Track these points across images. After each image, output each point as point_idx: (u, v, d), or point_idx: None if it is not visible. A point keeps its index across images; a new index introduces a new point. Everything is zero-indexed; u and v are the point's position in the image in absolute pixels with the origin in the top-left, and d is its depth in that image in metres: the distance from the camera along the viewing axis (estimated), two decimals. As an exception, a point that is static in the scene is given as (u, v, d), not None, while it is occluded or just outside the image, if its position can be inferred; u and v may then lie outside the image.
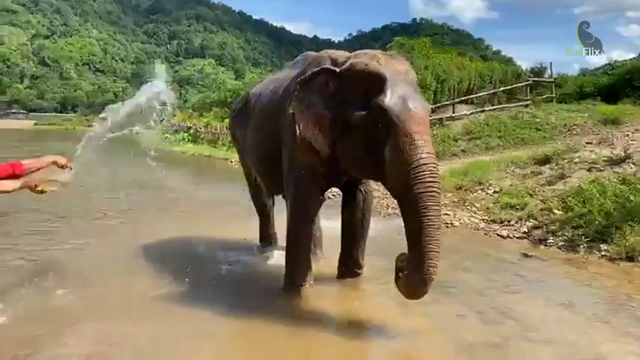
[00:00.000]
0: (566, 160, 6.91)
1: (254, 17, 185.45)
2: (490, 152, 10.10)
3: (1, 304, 3.31)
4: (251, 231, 5.05)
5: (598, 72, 22.78)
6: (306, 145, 3.19)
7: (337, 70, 3.07)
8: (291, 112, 3.22)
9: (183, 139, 22.38)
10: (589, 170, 6.34)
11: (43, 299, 3.56)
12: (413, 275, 2.74)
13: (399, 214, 2.86)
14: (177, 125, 24.97)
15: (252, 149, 4.25)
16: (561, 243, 4.95)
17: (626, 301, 3.57)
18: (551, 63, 15.99)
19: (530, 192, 6.27)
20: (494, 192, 6.71)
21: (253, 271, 4.32)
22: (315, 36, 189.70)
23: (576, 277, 4.16)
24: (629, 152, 6.33)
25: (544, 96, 14.61)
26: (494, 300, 3.62)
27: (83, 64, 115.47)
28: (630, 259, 4.34)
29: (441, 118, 12.98)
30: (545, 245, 5.03)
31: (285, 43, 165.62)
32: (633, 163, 6.08)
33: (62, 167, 3.04)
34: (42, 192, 2.84)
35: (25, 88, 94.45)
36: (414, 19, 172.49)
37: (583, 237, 4.84)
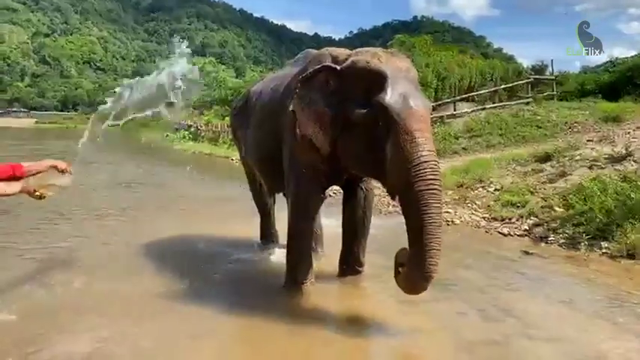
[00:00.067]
0: (567, 158, 6.91)
1: (255, 15, 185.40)
2: (491, 150, 10.10)
3: (2, 302, 3.32)
4: (252, 229, 5.05)
5: (599, 69, 22.71)
6: (307, 143, 3.19)
7: (338, 67, 3.07)
8: (291, 109, 3.22)
9: (184, 137, 22.40)
10: (590, 168, 6.33)
11: (44, 298, 3.57)
12: (413, 272, 2.75)
13: (400, 211, 2.86)
14: (178, 123, 24.97)
15: (253, 147, 4.25)
16: (562, 240, 4.95)
17: (627, 298, 3.57)
18: (552, 60, 16.08)
19: (531, 189, 6.26)
20: (495, 190, 6.70)
21: (254, 269, 4.32)
22: (315, 34, 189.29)
23: (577, 275, 4.16)
24: (630, 150, 6.32)
25: (545, 93, 14.61)
26: (495, 298, 3.63)
27: (84, 63, 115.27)
28: (631, 256, 4.33)
29: (442, 116, 12.99)
30: (546, 243, 5.03)
31: (285, 41, 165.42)
32: (634, 161, 6.08)
33: (62, 171, 3.02)
34: (41, 197, 2.82)
35: (25, 87, 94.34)
36: (415, 17, 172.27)
37: (584, 234, 4.83)
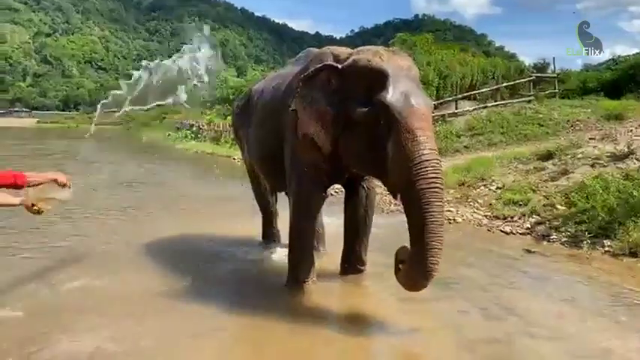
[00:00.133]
0: (569, 156, 6.89)
1: (256, 14, 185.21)
2: (493, 148, 10.09)
3: (3, 302, 3.33)
4: (254, 228, 5.05)
5: (601, 67, 22.74)
6: (309, 142, 3.19)
7: (339, 66, 3.07)
8: (293, 109, 3.22)
9: (186, 136, 22.45)
10: (592, 166, 6.32)
11: (44, 297, 3.58)
12: (414, 270, 2.76)
13: (402, 210, 2.86)
14: (180, 123, 25.02)
15: (255, 146, 4.25)
16: (564, 239, 4.94)
17: (630, 296, 3.57)
18: (554, 58, 16.00)
19: (533, 188, 6.25)
20: (497, 188, 6.69)
21: (256, 268, 4.32)
22: (317, 32, 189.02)
23: (579, 273, 4.15)
24: (632, 148, 6.31)
25: (547, 92, 14.56)
26: (497, 296, 3.62)
27: (85, 62, 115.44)
28: (633, 254, 4.32)
29: (444, 115, 12.96)
30: (549, 241, 5.02)
31: (287, 40, 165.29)
32: (636, 159, 6.06)
33: (62, 186, 3.01)
34: (39, 212, 2.79)
35: (27, 87, 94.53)
36: (416, 15, 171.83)
37: (586, 233, 4.82)
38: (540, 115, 11.38)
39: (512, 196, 6.12)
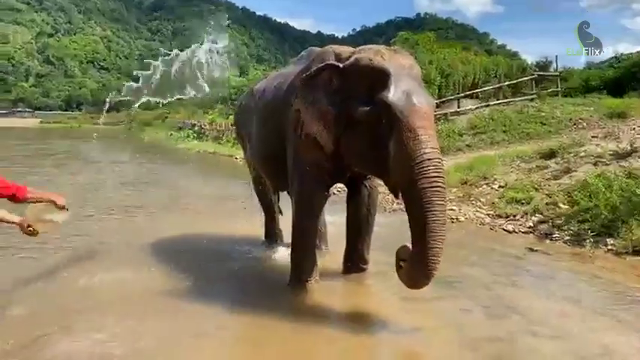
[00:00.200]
0: (571, 154, 6.88)
1: (257, 13, 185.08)
2: (495, 147, 10.08)
3: (4, 302, 3.34)
4: (256, 228, 5.06)
5: (604, 65, 22.58)
6: (311, 142, 3.20)
7: (341, 65, 3.06)
8: (295, 108, 3.21)
9: (188, 136, 22.48)
10: (595, 164, 6.31)
11: (46, 297, 3.59)
12: (415, 269, 2.77)
13: (404, 209, 2.86)
14: (182, 122, 25.04)
15: (257, 145, 4.26)
16: (567, 237, 4.94)
17: (633, 295, 3.56)
18: (556, 56, 15.90)
19: (536, 186, 6.24)
20: (500, 187, 6.69)
21: (258, 268, 4.33)
22: (318, 31, 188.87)
23: (582, 272, 4.15)
24: (635, 146, 6.29)
25: (549, 90, 14.51)
26: (500, 295, 3.62)
27: (87, 62, 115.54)
28: (637, 253, 4.32)
29: (446, 113, 12.94)
30: (551, 240, 5.01)
31: (288, 39, 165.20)
32: (639, 157, 6.04)
33: (61, 208, 2.98)
34: (33, 233, 2.75)
35: (30, 87, 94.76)
36: (418, 14, 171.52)
37: (589, 231, 4.82)
38: (543, 114, 11.37)
39: (514, 195, 6.11)
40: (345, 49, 3.31)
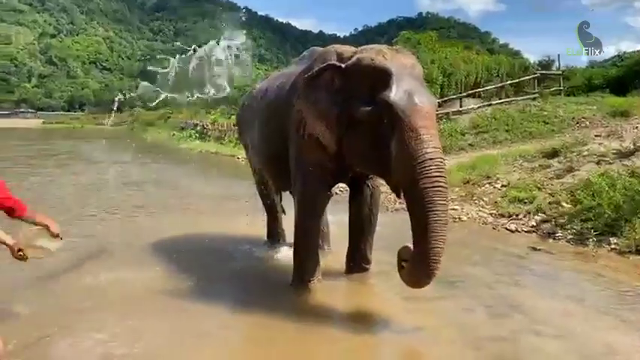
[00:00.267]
0: (574, 153, 6.86)
1: (259, 13, 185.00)
2: (498, 146, 10.06)
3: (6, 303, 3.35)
4: (258, 227, 5.06)
5: (606, 64, 22.53)
6: (314, 142, 3.20)
7: (343, 65, 3.06)
8: (298, 108, 3.21)
9: (190, 136, 22.50)
10: (598, 163, 6.29)
11: (47, 297, 3.60)
12: (417, 269, 2.78)
13: (406, 208, 2.86)
14: (185, 122, 25.07)
15: (259, 145, 4.26)
16: (570, 236, 4.93)
17: (636, 294, 3.55)
18: (559, 55, 15.79)
19: (539, 185, 6.23)
20: (502, 186, 6.68)
21: (261, 268, 4.33)
22: (320, 31, 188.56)
23: (585, 271, 4.14)
24: (638, 145, 6.27)
25: (552, 89, 14.47)
26: (503, 294, 3.62)
27: (90, 63, 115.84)
28: (640, 252, 4.31)
29: (448, 112, 12.92)
30: (554, 239, 5.00)
31: (290, 39, 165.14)
32: (643, 156, 6.03)
33: (55, 236, 2.96)
34: (22, 258, 2.68)
35: (32, 87, 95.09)
36: (420, 13, 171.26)
37: (592, 230, 4.81)
38: (545, 113, 11.33)
39: (517, 194, 6.10)
40: (347, 49, 3.31)
